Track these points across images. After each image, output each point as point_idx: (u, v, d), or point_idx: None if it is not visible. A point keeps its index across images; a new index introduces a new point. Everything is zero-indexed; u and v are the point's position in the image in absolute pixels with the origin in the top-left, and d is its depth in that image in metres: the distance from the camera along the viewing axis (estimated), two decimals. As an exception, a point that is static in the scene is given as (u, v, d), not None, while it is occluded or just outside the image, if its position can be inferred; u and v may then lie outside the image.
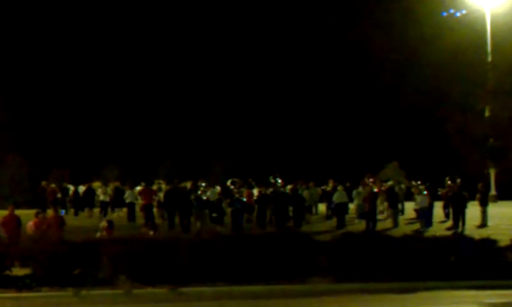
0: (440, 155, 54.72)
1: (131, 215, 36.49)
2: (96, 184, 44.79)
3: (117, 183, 43.45)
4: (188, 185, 37.80)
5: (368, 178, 38.49)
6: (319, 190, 39.27)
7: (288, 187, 36.67)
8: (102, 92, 68.30)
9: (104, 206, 39.53)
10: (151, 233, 26.63)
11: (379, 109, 63.56)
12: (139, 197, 37.32)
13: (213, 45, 71.32)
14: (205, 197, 34.53)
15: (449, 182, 35.36)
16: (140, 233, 26.64)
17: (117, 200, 40.33)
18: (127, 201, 37.38)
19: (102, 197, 40.02)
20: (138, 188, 38.87)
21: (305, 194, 36.78)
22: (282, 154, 62.43)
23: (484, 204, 34.31)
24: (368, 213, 32.90)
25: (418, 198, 33.86)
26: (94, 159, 59.09)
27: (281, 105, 67.54)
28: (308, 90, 67.89)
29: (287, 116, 66.95)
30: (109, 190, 42.15)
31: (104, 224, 26.45)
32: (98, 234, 25.45)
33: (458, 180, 35.43)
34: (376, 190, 35.17)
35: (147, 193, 35.75)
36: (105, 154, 60.33)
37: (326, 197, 38.37)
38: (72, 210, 41.38)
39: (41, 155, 58.41)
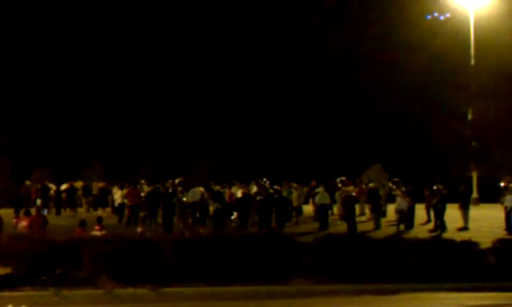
0: (424, 158, 54.90)
1: (121, 216, 36.64)
2: (79, 183, 44.69)
3: (102, 184, 43.50)
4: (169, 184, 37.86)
5: (339, 182, 38.16)
6: (304, 191, 39.28)
7: (277, 188, 36.68)
8: (84, 90, 68.00)
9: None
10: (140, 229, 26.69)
11: (362, 110, 63.68)
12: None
13: (197, 44, 71.19)
14: (184, 199, 34.50)
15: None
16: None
17: (103, 200, 40.69)
18: (118, 202, 37.50)
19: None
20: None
21: (294, 195, 36.82)
22: (266, 155, 62.44)
23: (465, 206, 34.46)
24: (344, 216, 33.03)
25: (398, 200, 34.00)
26: (75, 158, 58.77)
27: (266, 107, 67.51)
28: (293, 91, 67.92)
29: (271, 118, 66.94)
30: (94, 190, 42.32)
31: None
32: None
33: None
34: (353, 193, 35.26)
35: (134, 193, 35.81)
36: (86, 153, 60.03)
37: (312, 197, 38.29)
38: (54, 210, 41.20)
39: (22, 154, 58.02)
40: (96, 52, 69.12)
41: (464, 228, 33.25)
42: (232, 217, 34.14)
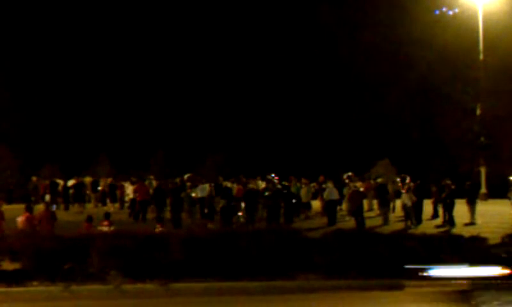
0: (432, 153, 54.83)
1: (133, 210, 36.67)
2: (87, 179, 44.82)
3: (110, 179, 43.70)
4: (178, 180, 37.99)
5: (346, 178, 38.20)
6: (312, 187, 39.30)
7: (285, 183, 36.80)
8: (93, 86, 68.19)
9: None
10: (158, 228, 26.78)
11: (370, 106, 63.64)
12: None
13: (205, 40, 71.28)
14: (193, 194, 34.60)
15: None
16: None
17: (111, 195, 40.92)
18: (130, 197, 37.59)
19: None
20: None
21: (303, 191, 36.81)
22: (275, 150, 62.49)
23: (472, 202, 34.41)
24: (352, 211, 32.99)
25: (403, 195, 34.02)
26: (83, 154, 58.93)
27: (274, 102, 67.57)
28: (301, 86, 67.94)
29: (280, 113, 67.01)
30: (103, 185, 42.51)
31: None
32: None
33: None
34: (361, 189, 35.27)
35: (142, 189, 35.95)
36: (94, 149, 60.21)
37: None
38: (62, 205, 41.34)
39: (30, 150, 58.23)
40: (106, 50, 69.32)
41: (471, 223, 33.20)
42: (239, 213, 34.17)
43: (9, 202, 40.41)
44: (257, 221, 33.07)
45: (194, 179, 38.39)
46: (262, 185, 37.51)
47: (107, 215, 27.38)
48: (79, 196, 41.69)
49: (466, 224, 32.82)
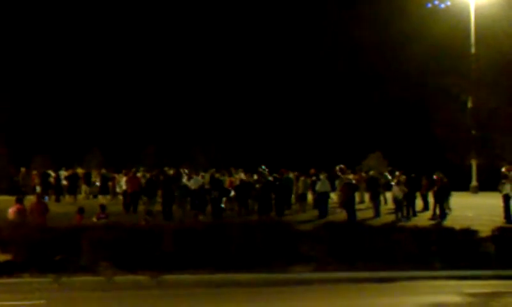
0: (424, 146, 54.92)
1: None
2: (80, 170, 44.77)
3: (103, 171, 43.65)
4: (171, 172, 38.04)
5: (338, 170, 38.26)
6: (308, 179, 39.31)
7: (276, 175, 36.83)
8: (85, 77, 68.03)
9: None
10: (150, 219, 26.80)
11: (363, 99, 63.69)
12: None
13: (195, 32, 71.18)
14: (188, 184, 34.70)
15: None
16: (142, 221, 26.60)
17: (103, 187, 40.89)
18: (123, 188, 37.61)
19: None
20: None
21: (300, 182, 36.83)
22: (266, 143, 62.48)
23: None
24: (344, 203, 33.01)
25: (393, 189, 34.11)
26: (75, 145, 58.78)
27: (265, 95, 67.53)
28: (293, 79, 67.92)
29: (271, 106, 66.96)
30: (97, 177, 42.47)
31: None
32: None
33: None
34: (353, 181, 35.34)
35: (133, 181, 35.93)
36: (87, 140, 60.06)
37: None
38: (53, 196, 41.24)
39: (21, 141, 58.02)
40: (97, 43, 69.18)
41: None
42: (223, 199, 34.07)
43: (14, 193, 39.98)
44: (249, 213, 33.08)
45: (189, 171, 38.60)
46: (243, 176, 37.66)
47: (103, 207, 27.37)
48: (73, 187, 41.65)
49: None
